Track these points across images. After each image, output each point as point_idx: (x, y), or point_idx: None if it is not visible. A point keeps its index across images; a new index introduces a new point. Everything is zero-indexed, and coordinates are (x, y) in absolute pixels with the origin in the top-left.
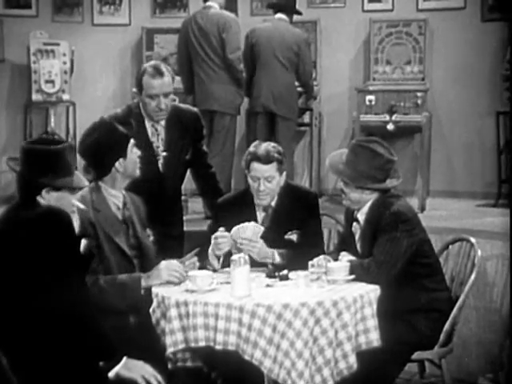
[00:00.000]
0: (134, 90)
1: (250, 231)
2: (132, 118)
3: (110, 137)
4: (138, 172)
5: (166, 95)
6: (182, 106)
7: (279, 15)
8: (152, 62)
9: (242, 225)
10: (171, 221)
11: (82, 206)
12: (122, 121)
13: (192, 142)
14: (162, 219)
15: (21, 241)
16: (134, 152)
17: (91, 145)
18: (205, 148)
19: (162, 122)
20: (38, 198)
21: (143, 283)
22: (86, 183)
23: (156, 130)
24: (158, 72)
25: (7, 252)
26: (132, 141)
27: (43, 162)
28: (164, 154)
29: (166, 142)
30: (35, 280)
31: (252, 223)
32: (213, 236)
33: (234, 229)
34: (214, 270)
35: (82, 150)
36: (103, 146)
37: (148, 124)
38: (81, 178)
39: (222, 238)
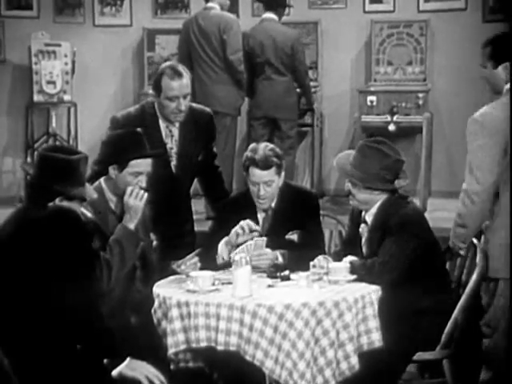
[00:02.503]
0: (151, 91)
1: (257, 246)
2: (146, 118)
3: (124, 138)
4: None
5: (185, 96)
6: (196, 106)
7: (268, 15)
8: (169, 63)
9: (247, 243)
10: (182, 221)
11: (89, 215)
12: (134, 121)
13: (204, 143)
14: (172, 220)
15: (31, 240)
16: (135, 177)
17: (111, 134)
18: (215, 149)
19: (177, 123)
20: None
21: (130, 226)
22: (95, 195)
23: (170, 131)
24: (177, 73)
25: (17, 252)
26: (140, 168)
27: (60, 170)
28: (176, 156)
29: (180, 143)
30: (43, 279)
31: (255, 239)
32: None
33: (239, 248)
34: (218, 269)
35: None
36: (114, 141)
37: (162, 125)
38: (91, 189)
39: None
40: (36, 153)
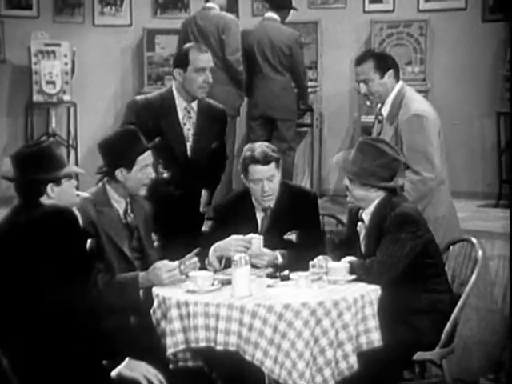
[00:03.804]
0: (177, 70)
1: (254, 245)
2: (163, 101)
3: (124, 141)
4: (142, 192)
5: (210, 70)
6: (211, 100)
7: (270, 14)
8: (191, 43)
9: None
10: (193, 207)
11: (85, 195)
12: (152, 103)
13: (218, 132)
14: (185, 206)
15: (27, 240)
16: (144, 170)
17: (110, 136)
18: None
19: (195, 107)
20: (43, 199)
21: (141, 284)
22: (81, 170)
23: (189, 112)
24: (203, 48)
25: (12, 253)
26: (146, 161)
27: (36, 161)
28: (194, 137)
29: (198, 124)
30: (40, 280)
31: (251, 235)
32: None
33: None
34: (215, 271)
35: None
36: (114, 143)
37: (180, 107)
38: (74, 167)
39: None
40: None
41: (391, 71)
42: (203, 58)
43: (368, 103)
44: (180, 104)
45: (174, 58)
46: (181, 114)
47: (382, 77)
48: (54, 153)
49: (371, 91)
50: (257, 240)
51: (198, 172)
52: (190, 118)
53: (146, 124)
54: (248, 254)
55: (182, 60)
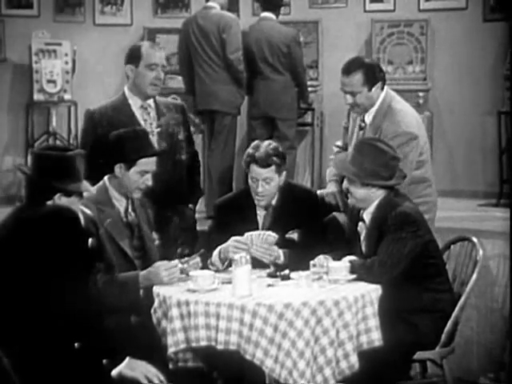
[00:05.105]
0: (128, 66)
1: (254, 240)
2: (117, 104)
3: (131, 139)
4: (136, 195)
5: (163, 68)
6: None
7: (265, 14)
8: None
9: (257, 232)
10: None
11: (88, 212)
12: (106, 108)
13: (182, 125)
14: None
15: (29, 239)
16: (142, 176)
17: (123, 130)
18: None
19: (152, 104)
20: (48, 203)
21: (141, 283)
22: (93, 190)
23: (146, 109)
24: (156, 45)
25: (14, 251)
26: (147, 167)
27: (57, 167)
28: (158, 129)
29: (159, 117)
30: (41, 278)
31: (247, 233)
32: (234, 239)
33: (249, 235)
34: (216, 270)
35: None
36: (121, 140)
37: (135, 106)
38: (87, 184)
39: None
40: (31, 153)
41: (379, 83)
42: (156, 54)
43: (354, 115)
44: (135, 103)
45: (126, 55)
46: (138, 112)
47: (370, 89)
48: (76, 165)
49: (357, 103)
50: (271, 238)
51: (170, 165)
52: (149, 113)
53: (103, 130)
54: (250, 252)
55: (134, 56)
